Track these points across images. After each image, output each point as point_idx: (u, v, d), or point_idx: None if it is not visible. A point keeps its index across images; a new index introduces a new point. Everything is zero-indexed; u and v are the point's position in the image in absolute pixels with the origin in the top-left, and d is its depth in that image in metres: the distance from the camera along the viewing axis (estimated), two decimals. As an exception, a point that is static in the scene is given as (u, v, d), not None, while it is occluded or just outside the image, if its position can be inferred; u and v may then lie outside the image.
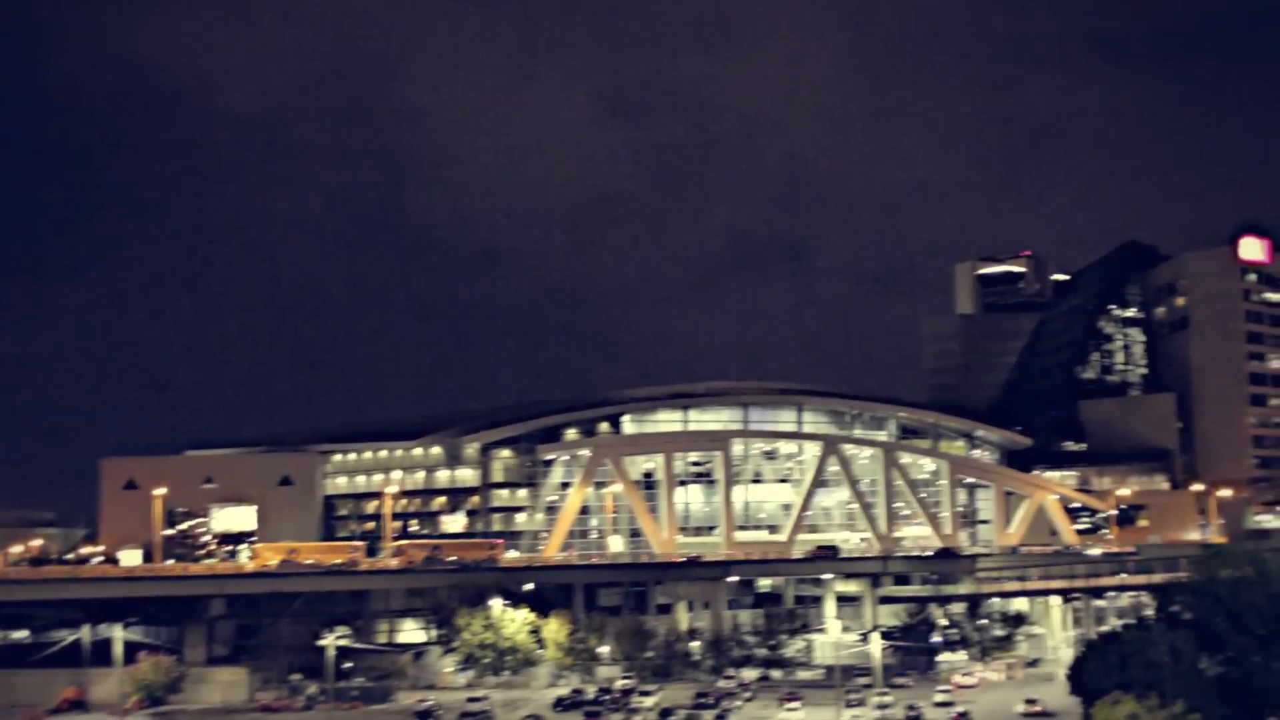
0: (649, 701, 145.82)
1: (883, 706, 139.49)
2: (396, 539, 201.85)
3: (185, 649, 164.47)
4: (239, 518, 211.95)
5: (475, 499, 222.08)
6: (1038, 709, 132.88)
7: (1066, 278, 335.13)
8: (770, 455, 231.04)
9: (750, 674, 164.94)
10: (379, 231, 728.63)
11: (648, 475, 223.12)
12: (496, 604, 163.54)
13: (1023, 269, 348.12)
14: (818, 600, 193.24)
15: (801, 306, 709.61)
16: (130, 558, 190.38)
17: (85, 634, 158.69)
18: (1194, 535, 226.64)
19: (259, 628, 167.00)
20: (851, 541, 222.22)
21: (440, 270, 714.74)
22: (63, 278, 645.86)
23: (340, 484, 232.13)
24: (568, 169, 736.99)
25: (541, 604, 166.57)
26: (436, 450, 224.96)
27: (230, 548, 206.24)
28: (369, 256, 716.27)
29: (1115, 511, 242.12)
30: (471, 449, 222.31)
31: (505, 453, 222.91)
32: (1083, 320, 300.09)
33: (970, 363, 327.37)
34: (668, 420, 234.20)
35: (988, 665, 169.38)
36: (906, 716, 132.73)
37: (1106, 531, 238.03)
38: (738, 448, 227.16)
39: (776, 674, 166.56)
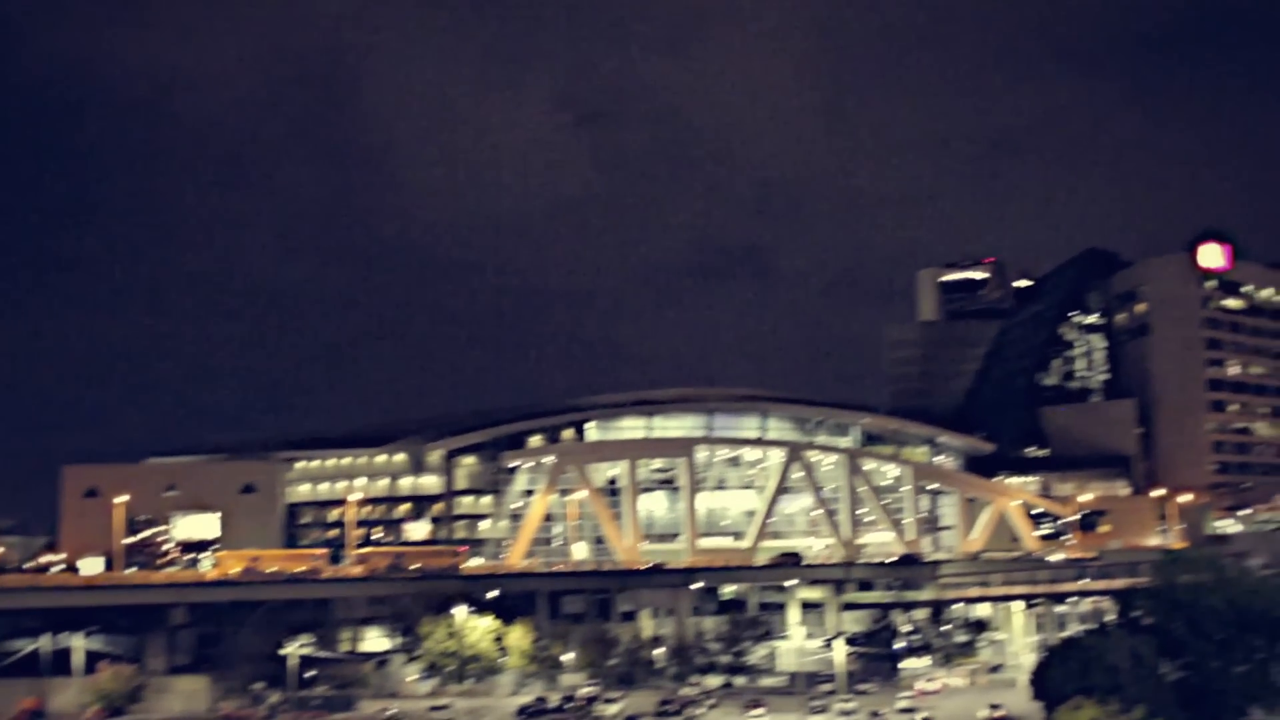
0: (613, 709, 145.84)
1: (846, 713, 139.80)
2: (360, 547, 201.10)
3: (146, 658, 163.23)
4: (201, 525, 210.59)
5: (439, 506, 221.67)
6: (1001, 714, 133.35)
7: (1029, 284, 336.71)
8: (734, 462, 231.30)
9: (714, 681, 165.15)
10: (342, 238, 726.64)
11: (612, 482, 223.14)
12: (460, 612, 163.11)
13: (985, 276, 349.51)
14: (781, 607, 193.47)
15: (765, 313, 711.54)
16: (91, 566, 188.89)
17: (45, 643, 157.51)
18: (1154, 541, 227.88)
19: (221, 636, 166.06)
20: (815, 548, 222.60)
21: (404, 276, 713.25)
22: (22, 284, 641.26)
23: (303, 491, 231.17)
24: (533, 175, 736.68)
25: (505, 611, 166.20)
26: (400, 457, 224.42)
27: (192, 556, 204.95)
28: (332, 263, 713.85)
29: (1077, 517, 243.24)
30: (435, 456, 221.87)
31: (469, 460, 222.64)
32: (1044, 327, 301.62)
33: (933, 369, 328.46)
34: (632, 427, 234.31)
35: (951, 671, 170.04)
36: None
37: (1068, 537, 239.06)
38: (701, 454, 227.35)
39: (740, 681, 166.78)
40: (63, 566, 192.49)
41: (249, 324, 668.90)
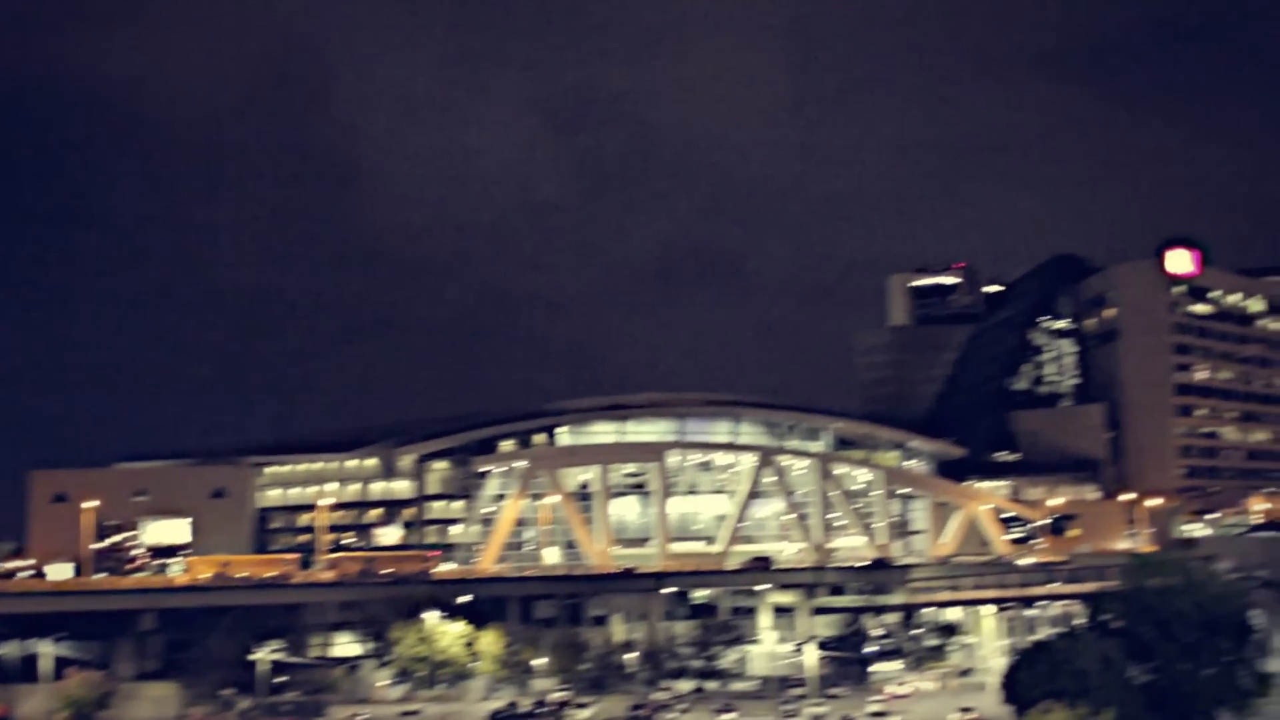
0: (584, 714, 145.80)
1: (817, 717, 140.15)
2: (331, 552, 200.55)
3: (115, 664, 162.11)
4: (171, 531, 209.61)
5: (410, 511, 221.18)
6: (971, 718, 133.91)
7: (999, 290, 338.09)
8: (706, 466, 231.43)
9: (685, 685, 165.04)
10: (312, 242, 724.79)
11: (583, 487, 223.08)
12: (431, 617, 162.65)
13: (955, 281, 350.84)
14: (752, 611, 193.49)
15: (737, 318, 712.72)
16: (59, 571, 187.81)
17: (12, 649, 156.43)
18: (1123, 544, 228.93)
19: (190, 642, 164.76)
20: (786, 553, 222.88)
21: (375, 281, 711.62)
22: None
23: (274, 496, 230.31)
24: (503, 179, 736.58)
25: (477, 616, 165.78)
26: (371, 462, 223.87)
27: (162, 561, 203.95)
28: (303, 267, 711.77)
29: (1046, 521, 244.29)
30: (407, 461, 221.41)
31: (441, 464, 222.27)
32: (1014, 332, 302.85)
33: (904, 374, 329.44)
34: (603, 432, 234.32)
35: (921, 675, 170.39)
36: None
37: (1038, 541, 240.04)
38: (673, 459, 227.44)
39: (712, 685, 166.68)
40: (31, 572, 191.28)
41: (219, 328, 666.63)
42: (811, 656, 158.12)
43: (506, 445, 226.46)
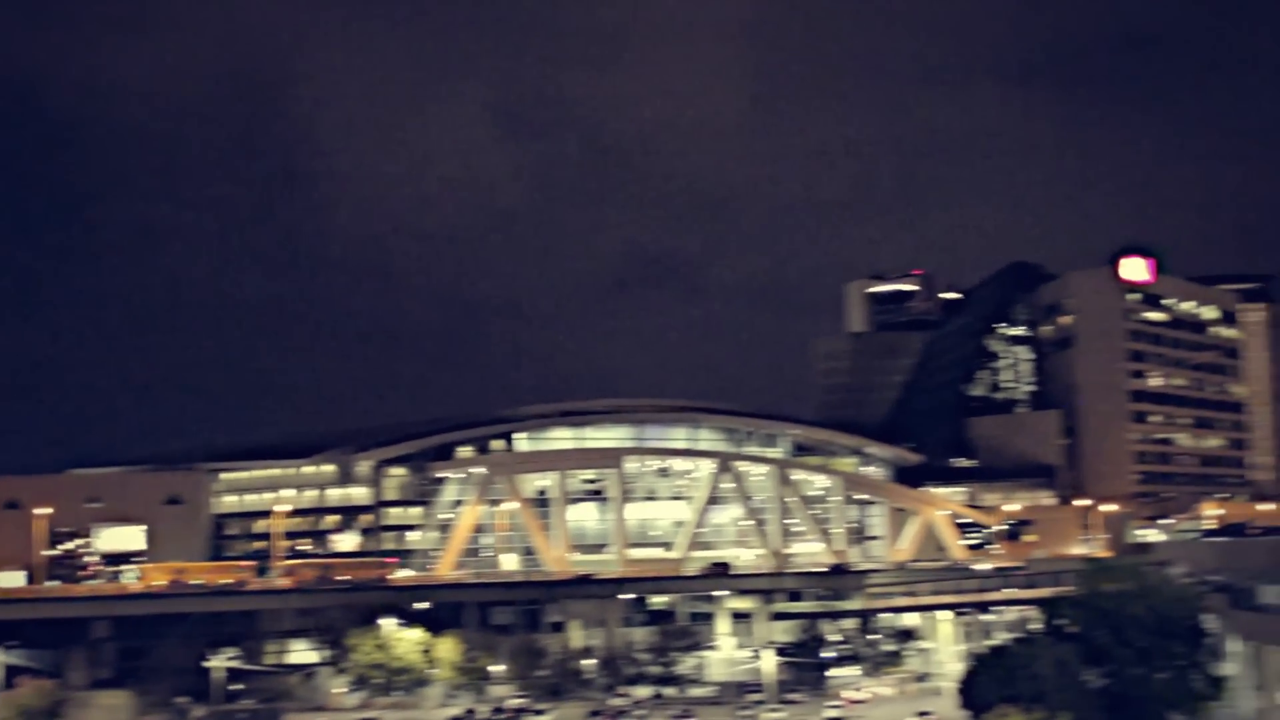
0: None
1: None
2: (287, 558, 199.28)
3: (67, 672, 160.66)
4: (125, 538, 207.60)
5: (367, 517, 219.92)
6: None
7: (956, 296, 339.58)
8: (664, 472, 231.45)
9: (643, 692, 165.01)
10: (270, 248, 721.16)
11: (541, 493, 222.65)
12: (388, 623, 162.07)
13: (913, 288, 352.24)
14: (710, 617, 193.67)
15: (695, 324, 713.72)
16: (11, 579, 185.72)
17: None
18: (1079, 550, 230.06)
19: (144, 650, 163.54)
20: (744, 558, 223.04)
21: (332, 286, 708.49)
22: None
23: (230, 503, 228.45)
24: (462, 187, 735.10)
25: (434, 623, 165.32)
26: (329, 468, 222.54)
27: (115, 568, 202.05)
28: (259, 272, 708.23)
29: (1003, 527, 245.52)
30: (364, 467, 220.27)
31: (398, 471, 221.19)
32: (971, 338, 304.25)
33: (861, 380, 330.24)
34: (561, 438, 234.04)
35: (879, 680, 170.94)
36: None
37: (994, 547, 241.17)
38: (631, 465, 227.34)
39: (670, 691, 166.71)
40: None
41: (175, 334, 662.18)
42: (769, 662, 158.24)
43: (464, 451, 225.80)
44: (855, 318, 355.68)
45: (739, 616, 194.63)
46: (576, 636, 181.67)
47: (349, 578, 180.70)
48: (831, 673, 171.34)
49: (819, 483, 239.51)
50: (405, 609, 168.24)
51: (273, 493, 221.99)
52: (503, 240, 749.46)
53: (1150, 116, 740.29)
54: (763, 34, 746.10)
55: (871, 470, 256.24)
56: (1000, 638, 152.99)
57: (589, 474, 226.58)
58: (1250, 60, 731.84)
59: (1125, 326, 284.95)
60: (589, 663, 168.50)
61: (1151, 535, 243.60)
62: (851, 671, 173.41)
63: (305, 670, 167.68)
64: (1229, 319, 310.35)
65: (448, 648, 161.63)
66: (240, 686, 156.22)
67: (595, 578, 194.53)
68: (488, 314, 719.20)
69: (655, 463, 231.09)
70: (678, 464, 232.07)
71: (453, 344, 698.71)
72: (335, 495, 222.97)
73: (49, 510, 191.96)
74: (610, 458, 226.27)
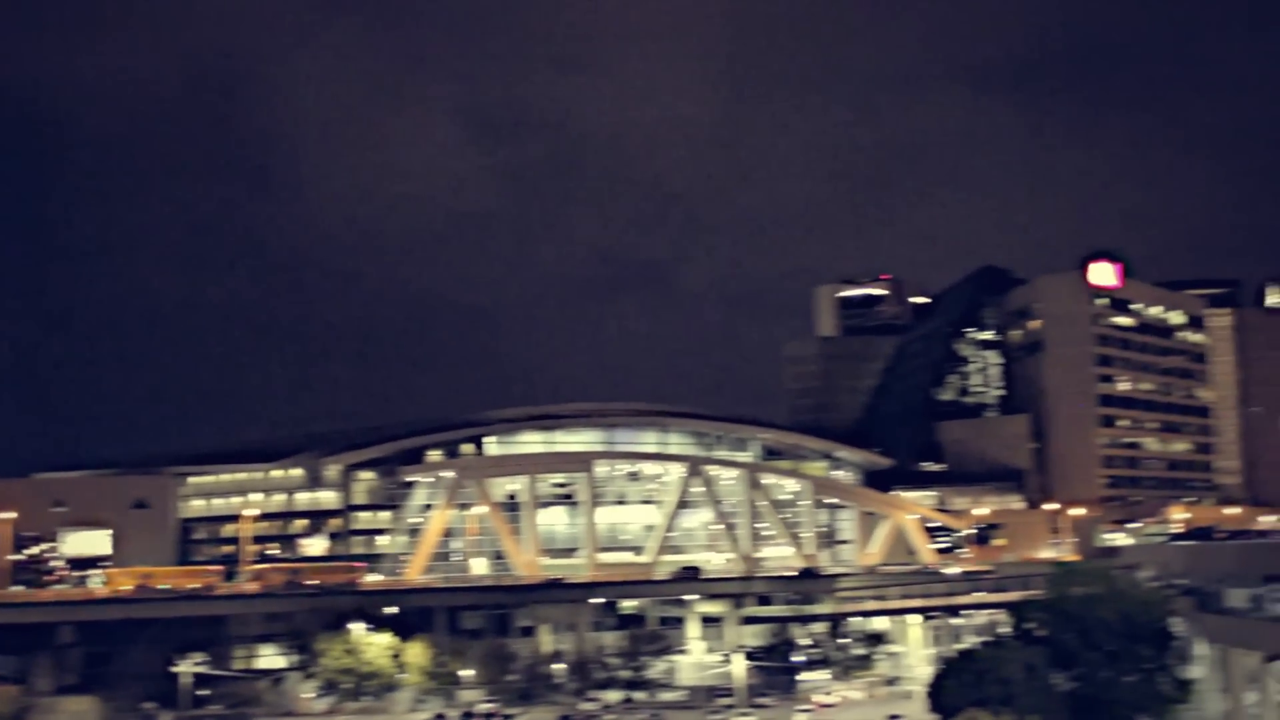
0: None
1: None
2: (255, 563, 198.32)
3: (33, 678, 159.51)
4: (91, 542, 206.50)
5: (336, 521, 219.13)
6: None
7: (925, 301, 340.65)
8: (634, 476, 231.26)
9: (614, 696, 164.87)
10: (239, 250, 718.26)
11: (511, 497, 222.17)
12: (357, 628, 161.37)
13: (883, 292, 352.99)
14: (681, 621, 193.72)
15: (665, 328, 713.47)
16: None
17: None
18: (1047, 553, 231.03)
19: (111, 655, 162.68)
20: (714, 562, 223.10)
21: (304, 290, 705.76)
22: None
23: (197, 507, 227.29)
24: (432, 188, 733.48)
25: (403, 628, 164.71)
26: (297, 472, 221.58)
27: (82, 573, 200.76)
28: (228, 276, 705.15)
29: (972, 531, 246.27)
30: (333, 471, 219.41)
31: (367, 475, 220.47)
32: (940, 343, 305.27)
33: (831, 384, 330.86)
34: (531, 441, 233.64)
35: (848, 684, 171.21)
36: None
37: (963, 550, 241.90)
38: (601, 469, 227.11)
39: (640, 696, 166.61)
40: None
41: (141, 337, 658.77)
42: (739, 666, 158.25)
43: (433, 455, 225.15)
44: (825, 322, 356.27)
45: (709, 621, 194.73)
46: (546, 641, 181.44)
47: (317, 582, 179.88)
48: (801, 677, 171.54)
49: (789, 487, 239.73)
50: (374, 614, 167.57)
51: (240, 497, 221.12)
52: (472, 243, 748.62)
53: (1118, 122, 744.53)
54: (731, 38, 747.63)
55: (841, 474, 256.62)
56: (969, 641, 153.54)
57: (559, 478, 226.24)
58: (1216, 67, 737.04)
59: (1093, 331, 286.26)
60: (559, 667, 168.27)
61: (1119, 539, 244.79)
62: (821, 675, 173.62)
63: (273, 675, 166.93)
64: (1196, 324, 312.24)
65: (417, 653, 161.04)
66: (208, 692, 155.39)
67: (565, 582, 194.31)
68: (456, 317, 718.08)
69: (625, 467, 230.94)
70: (648, 468, 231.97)
71: (421, 347, 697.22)
72: (304, 499, 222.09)
73: (13, 515, 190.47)
74: (580, 462, 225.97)
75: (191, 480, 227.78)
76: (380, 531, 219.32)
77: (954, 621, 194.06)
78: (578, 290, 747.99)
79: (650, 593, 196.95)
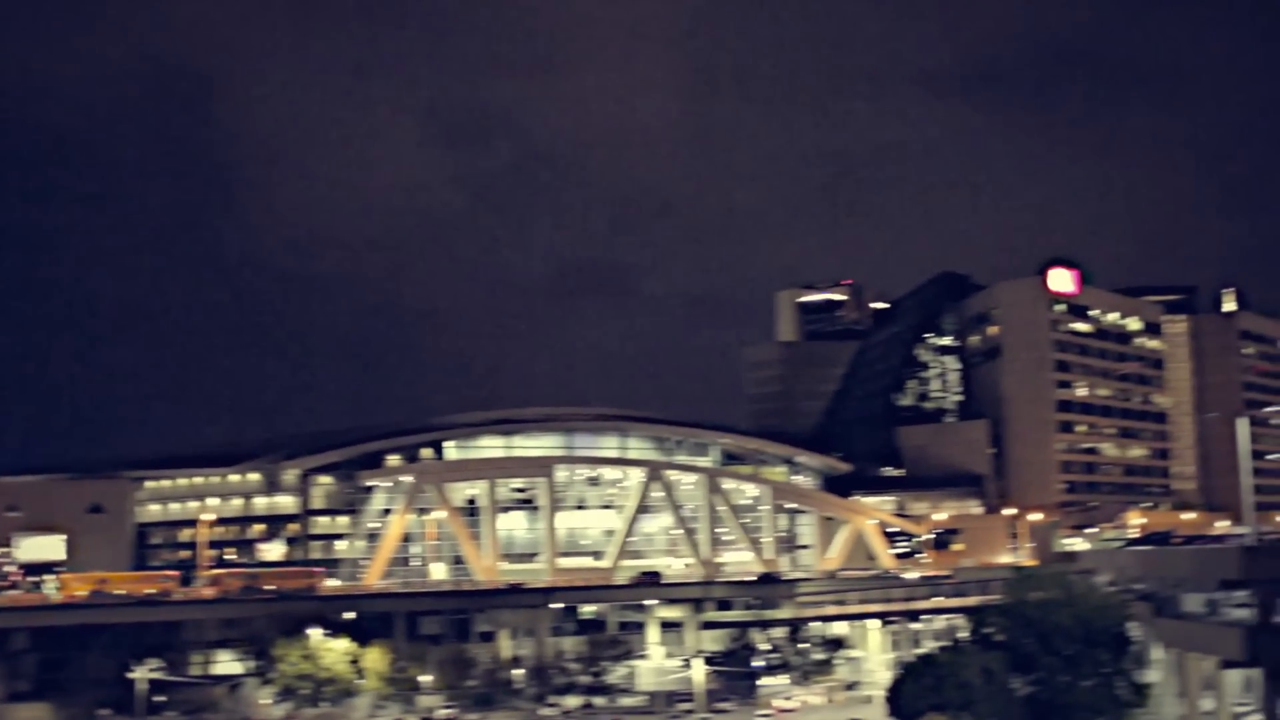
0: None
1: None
2: (212, 568, 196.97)
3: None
4: (45, 547, 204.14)
5: (294, 526, 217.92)
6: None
7: (885, 306, 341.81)
8: (594, 481, 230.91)
9: (573, 701, 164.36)
10: (199, 252, 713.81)
11: (470, 502, 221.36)
12: (315, 634, 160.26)
13: (843, 297, 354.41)
14: (641, 626, 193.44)
15: (625, 332, 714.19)
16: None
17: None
18: (1006, 558, 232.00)
19: (66, 661, 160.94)
20: (674, 567, 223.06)
21: (263, 293, 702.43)
22: None
23: (154, 511, 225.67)
24: (393, 193, 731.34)
25: (362, 633, 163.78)
26: (254, 476, 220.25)
27: (36, 578, 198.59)
28: (186, 277, 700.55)
29: (931, 536, 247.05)
30: (291, 475, 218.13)
31: (325, 479, 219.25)
32: (900, 348, 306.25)
33: (791, 389, 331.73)
34: (491, 446, 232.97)
35: (808, 689, 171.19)
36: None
37: (923, 555, 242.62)
38: (561, 474, 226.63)
39: (600, 701, 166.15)
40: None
41: (99, 340, 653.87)
42: (699, 671, 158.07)
43: (393, 460, 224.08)
44: (785, 327, 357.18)
45: (669, 625, 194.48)
46: (506, 646, 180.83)
47: (275, 587, 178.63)
48: (761, 681, 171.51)
49: (749, 491, 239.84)
50: (333, 619, 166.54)
51: (198, 501, 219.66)
52: (433, 247, 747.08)
53: (1076, 129, 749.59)
54: (693, 44, 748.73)
55: (801, 479, 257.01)
56: (928, 646, 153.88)
57: (519, 483, 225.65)
58: (1176, 75, 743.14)
59: (1052, 337, 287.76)
60: (518, 672, 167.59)
61: (1077, 544, 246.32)
62: (781, 680, 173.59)
63: (231, 681, 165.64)
64: (1153, 330, 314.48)
65: (376, 658, 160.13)
66: (164, 698, 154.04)
67: (525, 587, 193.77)
68: (417, 321, 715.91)
69: (585, 471, 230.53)
70: (608, 473, 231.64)
71: (381, 351, 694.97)
72: (261, 504, 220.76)
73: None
74: (540, 466, 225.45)
75: (148, 484, 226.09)
76: (339, 536, 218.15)
77: (913, 626, 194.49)
78: (538, 294, 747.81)
79: (610, 598, 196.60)
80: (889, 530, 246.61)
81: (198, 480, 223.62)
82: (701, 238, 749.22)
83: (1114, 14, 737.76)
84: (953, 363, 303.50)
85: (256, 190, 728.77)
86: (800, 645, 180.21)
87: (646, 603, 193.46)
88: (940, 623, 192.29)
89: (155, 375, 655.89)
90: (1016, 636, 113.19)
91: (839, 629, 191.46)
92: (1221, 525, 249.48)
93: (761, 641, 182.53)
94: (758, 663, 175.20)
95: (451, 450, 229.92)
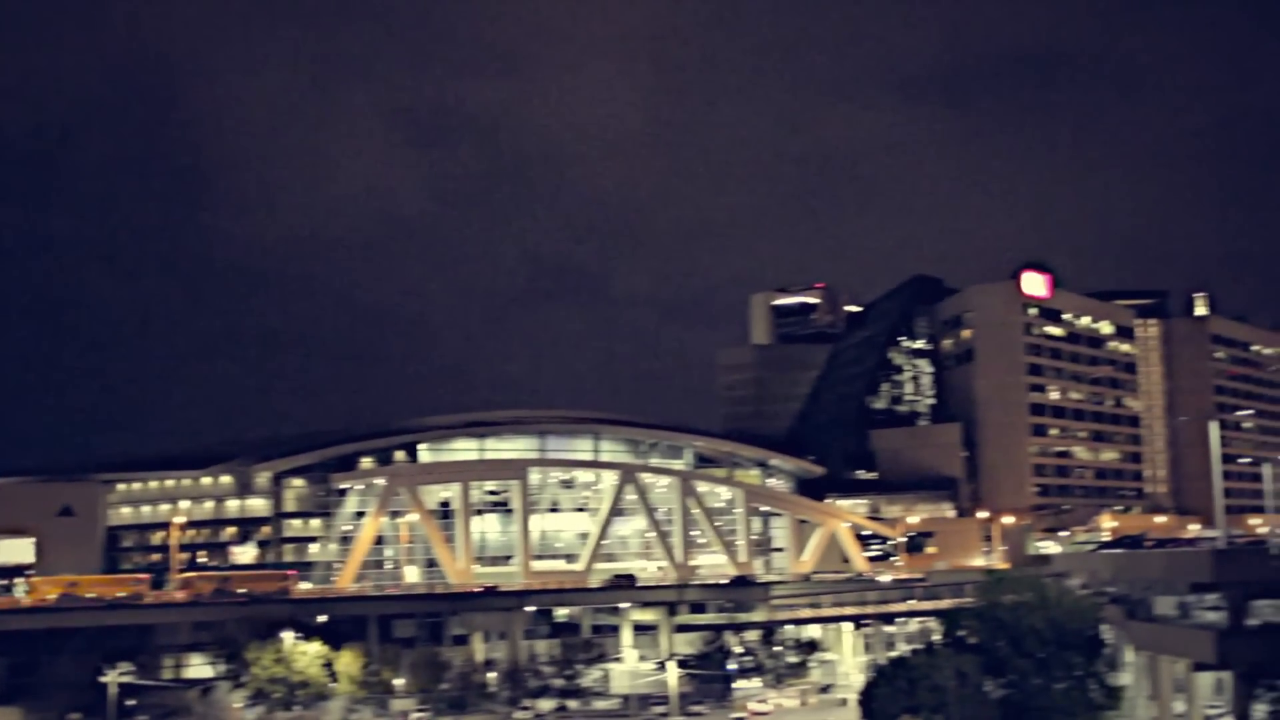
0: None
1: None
2: (184, 571, 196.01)
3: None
4: (14, 550, 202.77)
5: (267, 529, 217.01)
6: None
7: (858, 309, 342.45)
8: (567, 484, 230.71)
9: (547, 704, 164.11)
10: (169, 255, 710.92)
11: (444, 504, 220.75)
12: (288, 637, 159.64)
13: (816, 300, 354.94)
14: (615, 629, 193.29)
15: (599, 335, 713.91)
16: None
17: None
18: (979, 561, 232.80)
19: (36, 665, 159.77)
20: (648, 570, 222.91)
21: (233, 295, 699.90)
22: None
23: (125, 514, 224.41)
24: (364, 195, 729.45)
25: (334, 636, 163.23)
26: (226, 479, 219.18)
27: (5, 582, 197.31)
28: (154, 279, 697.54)
29: (904, 539, 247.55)
30: (263, 478, 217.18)
31: (298, 482, 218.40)
32: (873, 351, 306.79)
33: (765, 392, 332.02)
34: (464, 449, 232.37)
35: (782, 691, 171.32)
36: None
37: (896, 558, 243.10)
38: (535, 476, 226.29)
39: (573, 704, 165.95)
40: None
41: (68, 341, 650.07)
42: (673, 674, 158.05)
43: (366, 462, 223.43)
44: (759, 330, 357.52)
45: (643, 628, 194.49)
46: (479, 649, 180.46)
47: (247, 590, 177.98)
48: (736, 684, 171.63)
49: (723, 494, 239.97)
50: (305, 622, 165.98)
51: (169, 504, 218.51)
52: (404, 249, 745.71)
53: (1049, 132, 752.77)
54: (665, 47, 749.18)
55: (775, 482, 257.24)
56: (902, 649, 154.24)
57: (492, 485, 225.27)
58: (1146, 79, 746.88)
59: (1024, 341, 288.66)
60: (492, 675, 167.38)
61: (1050, 547, 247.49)
62: (755, 683, 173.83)
63: (203, 685, 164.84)
64: (1125, 334, 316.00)
65: (349, 661, 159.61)
66: (135, 702, 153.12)
67: (499, 590, 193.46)
68: (389, 323, 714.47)
69: (559, 474, 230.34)
70: (581, 475, 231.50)
71: (354, 354, 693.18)
72: (233, 506, 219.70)
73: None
74: (514, 469, 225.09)
75: (119, 487, 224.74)
76: (311, 539, 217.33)
77: (887, 629, 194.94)
78: (511, 297, 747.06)
79: (584, 601, 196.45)
80: (862, 533, 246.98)
81: (169, 483, 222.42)
82: (674, 241, 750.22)
83: (1087, 19, 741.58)
84: (926, 366, 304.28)
85: (226, 192, 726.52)
86: (774, 648, 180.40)
87: (620, 606, 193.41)
88: (914, 625, 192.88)
89: (125, 377, 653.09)
90: (990, 639, 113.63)
91: (813, 632, 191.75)
92: (1193, 529, 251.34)
93: (735, 644, 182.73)
94: (732, 666, 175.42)
95: (425, 453, 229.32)
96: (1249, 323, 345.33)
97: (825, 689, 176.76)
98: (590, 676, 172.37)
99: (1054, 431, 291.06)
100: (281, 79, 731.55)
